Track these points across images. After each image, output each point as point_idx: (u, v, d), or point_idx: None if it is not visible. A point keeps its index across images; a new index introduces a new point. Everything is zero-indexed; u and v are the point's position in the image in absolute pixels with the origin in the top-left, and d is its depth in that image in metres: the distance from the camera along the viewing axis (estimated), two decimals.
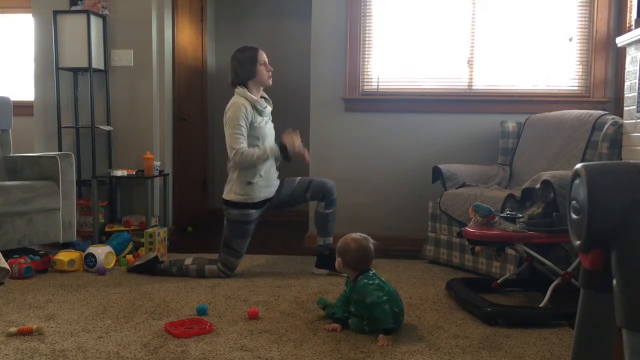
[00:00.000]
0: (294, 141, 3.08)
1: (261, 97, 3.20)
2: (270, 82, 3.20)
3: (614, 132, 3.13)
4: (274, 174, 3.23)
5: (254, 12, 5.37)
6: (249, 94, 3.09)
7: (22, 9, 4.98)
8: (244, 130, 3.03)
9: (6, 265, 2.27)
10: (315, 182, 3.27)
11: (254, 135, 3.08)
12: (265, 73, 3.15)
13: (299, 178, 3.34)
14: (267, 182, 3.16)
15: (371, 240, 2.38)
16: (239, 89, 3.12)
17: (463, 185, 3.56)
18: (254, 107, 3.08)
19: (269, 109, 3.22)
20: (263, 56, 3.17)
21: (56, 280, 3.06)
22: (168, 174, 4.28)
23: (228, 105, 3.08)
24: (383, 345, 2.15)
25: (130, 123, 4.17)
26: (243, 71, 3.12)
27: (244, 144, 3.02)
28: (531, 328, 2.34)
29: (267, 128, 3.18)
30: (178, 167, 4.54)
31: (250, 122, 3.06)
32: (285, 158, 3.10)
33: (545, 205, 2.87)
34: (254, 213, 3.13)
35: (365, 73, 4.09)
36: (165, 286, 2.96)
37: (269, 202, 3.19)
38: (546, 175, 2.85)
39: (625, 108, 3.06)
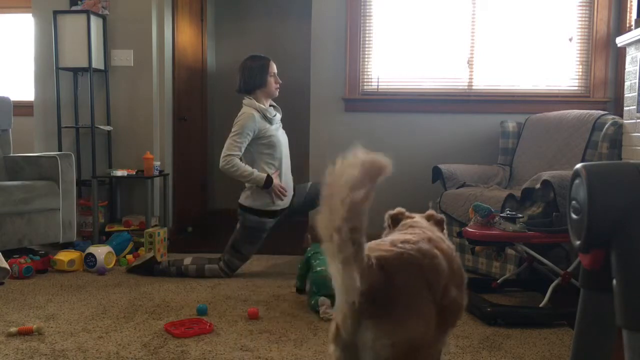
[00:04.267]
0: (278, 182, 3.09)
1: (270, 105, 3.21)
2: (277, 93, 3.21)
3: (614, 132, 3.13)
4: (290, 183, 3.24)
5: (254, 12, 5.37)
6: (257, 103, 3.09)
7: (22, 9, 4.97)
8: (246, 142, 3.04)
9: (6, 265, 2.27)
10: None
11: (267, 145, 3.09)
12: (273, 85, 3.17)
13: (310, 183, 3.36)
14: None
15: None
16: (247, 100, 3.12)
17: (463, 185, 3.56)
18: (264, 117, 3.09)
19: (279, 116, 3.22)
20: (273, 67, 3.18)
21: (56, 280, 3.06)
22: (168, 174, 4.27)
23: (239, 114, 3.09)
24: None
25: (130, 123, 4.17)
26: (253, 79, 3.12)
27: (237, 154, 3.03)
28: (531, 328, 2.34)
29: (280, 135, 3.18)
30: (178, 167, 4.53)
31: (262, 132, 3.06)
32: (266, 188, 3.07)
33: (545, 205, 2.87)
34: (271, 222, 3.15)
35: (365, 73, 4.09)
36: (165, 286, 2.96)
37: (284, 210, 3.20)
38: (546, 175, 2.84)
39: (625, 108, 3.06)
